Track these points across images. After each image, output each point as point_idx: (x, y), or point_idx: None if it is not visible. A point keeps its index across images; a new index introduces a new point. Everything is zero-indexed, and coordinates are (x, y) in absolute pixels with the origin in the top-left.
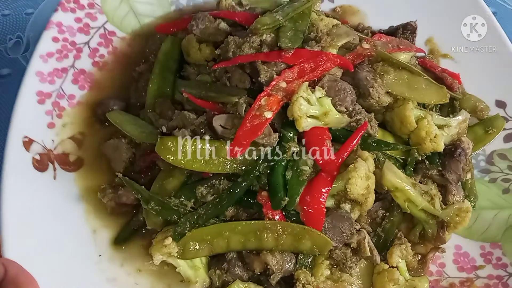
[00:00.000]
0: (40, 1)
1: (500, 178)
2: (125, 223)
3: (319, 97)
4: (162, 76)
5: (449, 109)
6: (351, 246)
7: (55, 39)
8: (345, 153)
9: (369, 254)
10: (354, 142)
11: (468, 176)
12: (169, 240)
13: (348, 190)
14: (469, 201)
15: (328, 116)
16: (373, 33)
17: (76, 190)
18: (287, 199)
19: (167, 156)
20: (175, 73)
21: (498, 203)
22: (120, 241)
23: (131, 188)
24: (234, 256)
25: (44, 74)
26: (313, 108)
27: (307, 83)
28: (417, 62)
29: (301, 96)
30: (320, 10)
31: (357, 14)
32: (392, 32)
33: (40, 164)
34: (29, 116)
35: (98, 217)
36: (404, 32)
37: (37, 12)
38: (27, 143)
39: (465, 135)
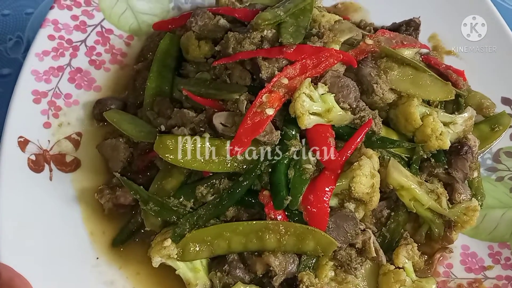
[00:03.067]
0: (40, 1)
1: (507, 177)
2: (123, 225)
3: (322, 94)
4: (160, 74)
5: (454, 106)
6: (356, 246)
7: (51, 37)
8: (349, 151)
9: (375, 255)
10: (358, 140)
11: (475, 174)
12: (168, 242)
13: (352, 188)
14: (476, 200)
15: (331, 113)
16: (376, 29)
17: (72, 192)
18: (289, 198)
19: (166, 155)
20: (173, 71)
21: (505, 202)
22: (118, 243)
23: (129, 188)
24: (236, 258)
25: (40, 73)
26: (316, 105)
27: (309, 79)
28: (421, 59)
29: (303, 93)
30: (321, 6)
31: (359, 11)
32: (395, 28)
33: (36, 165)
34: (25, 116)
35: (95, 219)
36: (407, 28)
37: (37, 12)
38: (23, 143)
39: (471, 133)
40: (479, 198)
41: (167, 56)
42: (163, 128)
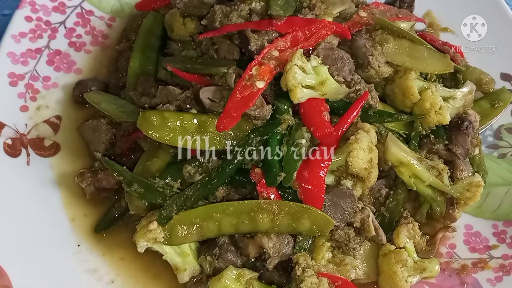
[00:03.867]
0: None
1: (510, 153)
2: (106, 210)
3: (315, 66)
4: (144, 54)
5: (452, 82)
6: (354, 225)
7: (28, 19)
8: (345, 125)
9: (374, 234)
10: (354, 113)
11: (476, 151)
12: (154, 225)
13: (349, 164)
14: None
15: (325, 85)
16: (367, 4)
17: (52, 176)
18: (283, 174)
19: (150, 132)
20: (158, 50)
21: (509, 179)
22: (100, 228)
23: (111, 169)
24: (226, 241)
25: (16, 55)
26: (309, 77)
27: (301, 50)
28: (416, 35)
29: (295, 64)
30: None
31: None
32: (389, 3)
33: (12, 149)
34: (0, 99)
35: (76, 204)
36: (401, 4)
37: None
38: None
39: (471, 108)
40: (481, 175)
41: (150, 35)
42: (147, 107)
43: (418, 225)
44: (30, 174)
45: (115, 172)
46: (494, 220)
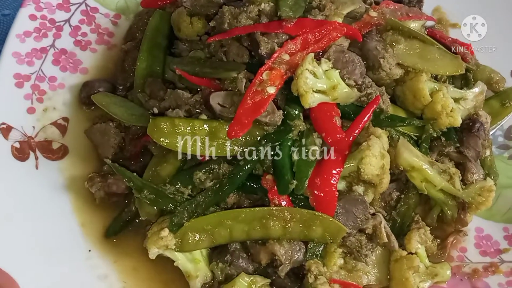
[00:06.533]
0: None
1: None
2: (116, 215)
3: (326, 70)
4: (151, 54)
5: (462, 82)
6: (366, 232)
7: (33, 17)
8: (357, 130)
9: (386, 240)
10: (366, 118)
11: (487, 152)
12: (165, 232)
13: (362, 170)
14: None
15: (336, 90)
16: (378, 3)
17: (61, 180)
18: (295, 182)
19: (161, 139)
20: (165, 50)
21: None
22: (111, 234)
23: (121, 175)
24: (238, 247)
25: (22, 55)
26: (320, 82)
27: (312, 54)
28: (425, 32)
29: (306, 69)
30: None
31: None
32: (399, 0)
33: (20, 153)
34: (7, 101)
35: (86, 209)
36: (410, 1)
37: None
38: (5, 130)
39: (481, 109)
40: (492, 177)
41: (157, 34)
42: (156, 110)
43: (430, 228)
44: (39, 178)
45: (125, 178)
46: (505, 223)
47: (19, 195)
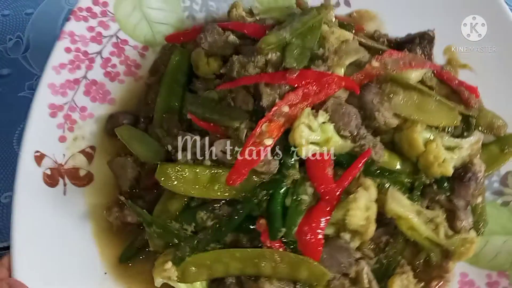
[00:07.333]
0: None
1: None
2: (130, 242)
3: (322, 122)
4: (170, 90)
5: (464, 126)
6: (350, 276)
7: (68, 50)
8: (346, 182)
9: (367, 286)
10: (355, 171)
11: (479, 200)
12: (169, 264)
13: (347, 221)
14: (477, 227)
15: (330, 142)
16: (390, 41)
17: (85, 207)
18: (283, 230)
19: (169, 184)
20: (184, 86)
21: (509, 229)
22: (124, 259)
23: (133, 211)
24: (234, 282)
25: (56, 86)
26: (315, 135)
27: (309, 109)
28: (432, 74)
29: (302, 123)
30: (333, 19)
31: (374, 20)
32: (409, 40)
33: (51, 179)
34: (41, 130)
35: (105, 235)
36: (421, 41)
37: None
38: (39, 158)
39: (478, 157)
40: (481, 225)
41: (177, 71)
42: (169, 148)
43: (417, 270)
44: (66, 203)
45: (136, 214)
46: (489, 270)
47: (47, 219)
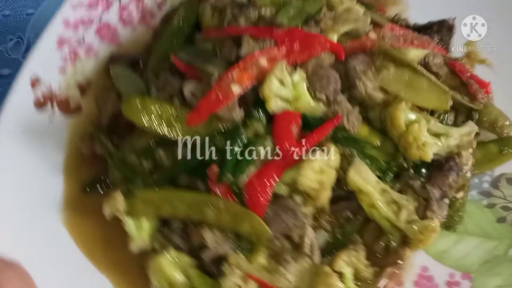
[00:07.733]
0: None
1: (499, 205)
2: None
3: (296, 80)
4: (171, 39)
5: (465, 118)
6: (295, 241)
7: None
8: (308, 144)
9: (307, 251)
10: (320, 134)
11: (460, 194)
12: (119, 195)
13: (298, 180)
14: (451, 222)
15: (299, 101)
16: (408, 26)
17: (66, 138)
18: (229, 175)
19: (131, 114)
20: (187, 38)
21: (487, 231)
22: (84, 188)
23: (97, 140)
24: (180, 227)
25: (70, 22)
26: (285, 91)
27: (284, 62)
28: (443, 62)
29: (274, 76)
30: None
31: (399, 4)
32: (427, 27)
33: (42, 105)
34: (44, 58)
35: (74, 168)
36: (440, 28)
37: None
38: (35, 82)
39: (469, 150)
40: (455, 221)
41: (184, 22)
42: (153, 89)
43: (377, 255)
44: (50, 131)
45: (100, 143)
46: (454, 269)
47: (26, 143)
